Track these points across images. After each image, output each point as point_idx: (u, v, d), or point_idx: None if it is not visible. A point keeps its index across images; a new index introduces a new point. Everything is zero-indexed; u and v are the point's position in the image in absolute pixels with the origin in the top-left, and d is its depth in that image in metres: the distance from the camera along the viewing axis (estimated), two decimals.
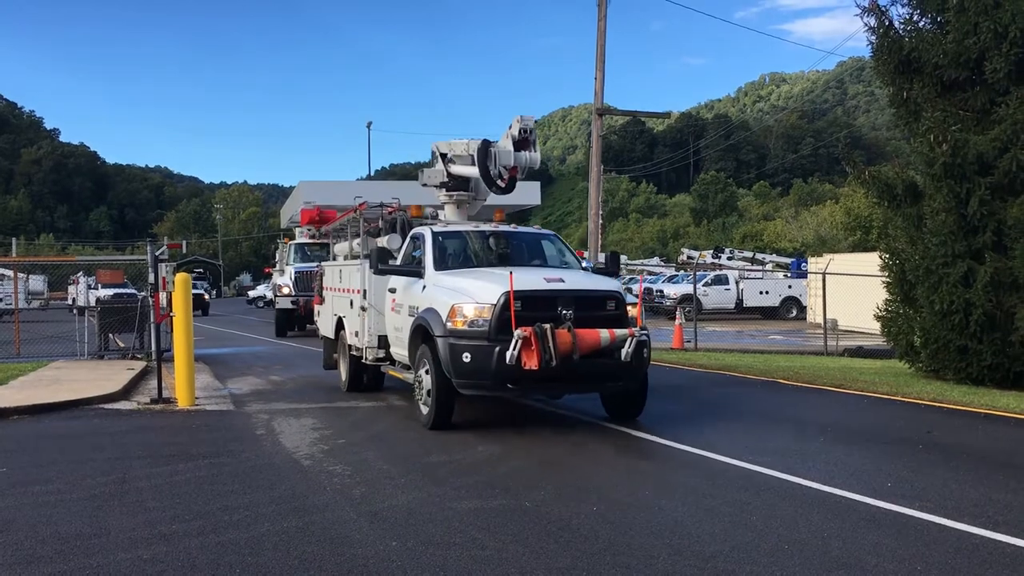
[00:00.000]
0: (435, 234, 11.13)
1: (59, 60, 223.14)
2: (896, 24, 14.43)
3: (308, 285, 24.88)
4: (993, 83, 13.00)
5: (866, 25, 14.50)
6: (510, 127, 11.23)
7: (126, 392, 12.99)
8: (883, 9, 14.40)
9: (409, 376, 10.62)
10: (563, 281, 9.63)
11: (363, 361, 12.32)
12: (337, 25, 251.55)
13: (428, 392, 9.72)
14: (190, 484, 7.37)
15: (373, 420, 10.76)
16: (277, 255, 30.28)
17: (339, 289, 13.57)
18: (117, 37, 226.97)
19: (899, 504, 6.57)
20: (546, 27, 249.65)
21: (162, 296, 13.42)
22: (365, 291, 11.88)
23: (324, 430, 10.01)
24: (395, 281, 11.23)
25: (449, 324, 9.27)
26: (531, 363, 8.65)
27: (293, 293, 25.86)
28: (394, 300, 11.22)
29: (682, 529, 6.02)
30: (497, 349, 8.87)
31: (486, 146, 11.14)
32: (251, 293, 61.09)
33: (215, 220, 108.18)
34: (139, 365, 16.07)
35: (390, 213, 12.54)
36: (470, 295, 9.40)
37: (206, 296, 49.58)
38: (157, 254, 14.96)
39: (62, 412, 11.39)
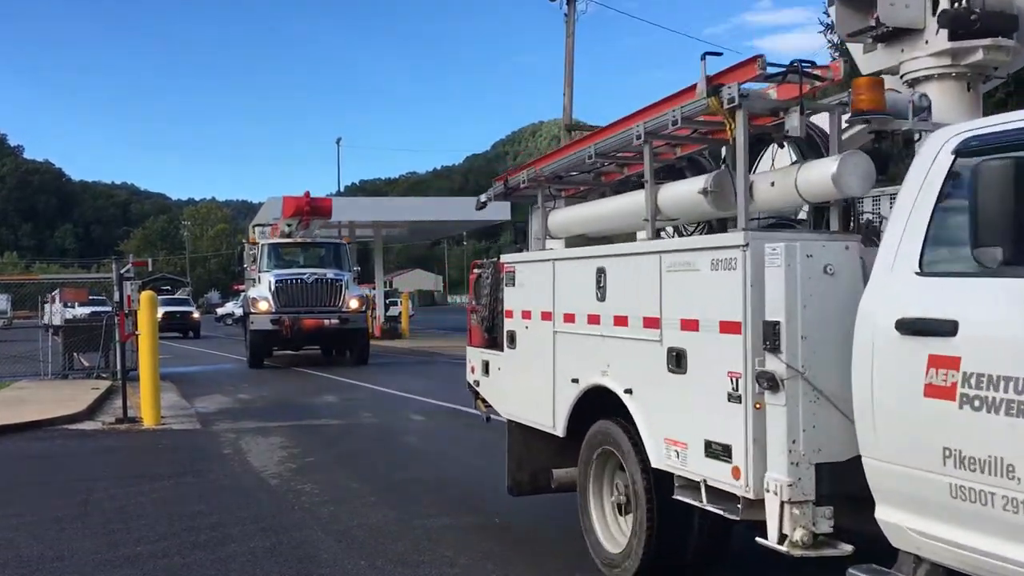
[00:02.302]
0: None
1: (23, 76, 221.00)
2: None
3: (296, 298, 20.23)
4: None
5: (829, 42, 14.77)
6: None
7: (91, 412, 12.81)
8: None
9: None
10: None
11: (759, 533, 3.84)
12: (307, 39, 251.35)
13: None
14: (155, 505, 7.29)
15: (343, 438, 10.69)
16: (244, 261, 24.82)
17: (599, 319, 5.08)
18: (82, 53, 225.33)
19: None
20: (515, 43, 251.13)
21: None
22: (777, 328, 3.69)
23: (292, 448, 9.92)
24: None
25: None
26: None
27: (274, 309, 20.01)
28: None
29: None
30: None
31: None
32: (219, 311, 60.67)
33: (183, 237, 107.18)
34: (104, 384, 15.84)
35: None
36: None
37: (195, 314, 39.82)
38: (122, 272, 14.80)
39: (25, 432, 11.21)
